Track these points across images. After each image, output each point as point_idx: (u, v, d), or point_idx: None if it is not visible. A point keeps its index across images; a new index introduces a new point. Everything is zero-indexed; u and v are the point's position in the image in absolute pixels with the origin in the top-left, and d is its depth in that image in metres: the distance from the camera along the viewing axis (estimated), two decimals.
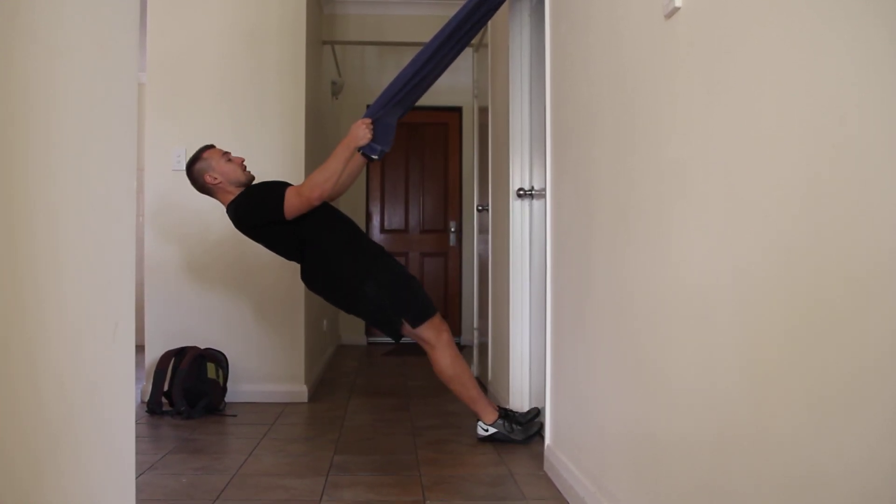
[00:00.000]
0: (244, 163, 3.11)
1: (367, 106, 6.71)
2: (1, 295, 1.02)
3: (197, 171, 3.07)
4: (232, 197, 3.05)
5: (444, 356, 3.00)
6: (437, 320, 3.01)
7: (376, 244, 3.15)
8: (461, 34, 2.99)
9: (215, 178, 3.03)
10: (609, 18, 2.02)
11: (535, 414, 3.07)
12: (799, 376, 1.08)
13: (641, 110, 1.76)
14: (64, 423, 1.19)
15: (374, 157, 3.02)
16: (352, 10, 5.53)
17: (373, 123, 2.98)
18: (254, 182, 3.10)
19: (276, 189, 2.95)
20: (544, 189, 2.77)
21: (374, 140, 2.98)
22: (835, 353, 1.00)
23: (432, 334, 2.99)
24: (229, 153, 3.11)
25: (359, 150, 2.98)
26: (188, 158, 3.12)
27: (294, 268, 3.97)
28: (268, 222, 2.96)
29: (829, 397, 1.01)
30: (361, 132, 2.94)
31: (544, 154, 2.75)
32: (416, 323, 2.96)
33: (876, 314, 0.92)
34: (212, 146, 3.12)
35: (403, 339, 3.10)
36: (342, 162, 2.91)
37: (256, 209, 2.98)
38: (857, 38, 0.98)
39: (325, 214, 3.03)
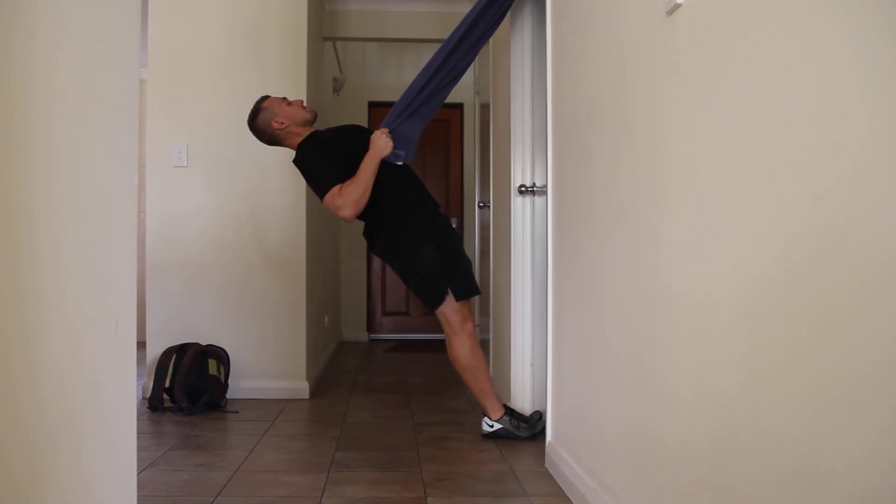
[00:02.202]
0: (303, 103, 3.20)
1: (370, 103, 6.74)
2: (1, 292, 1.02)
3: (262, 122, 3.14)
4: (300, 139, 3.13)
5: (463, 344, 3.02)
6: (468, 308, 3.05)
7: (442, 215, 3.20)
8: (472, 40, 3.00)
9: (282, 123, 3.11)
10: (610, 15, 2.01)
11: (539, 417, 3.08)
12: (799, 374, 1.08)
13: (642, 107, 1.75)
14: (64, 419, 1.19)
15: (398, 163, 3.08)
16: (353, 6, 5.52)
17: (390, 133, 3.02)
18: (316, 121, 3.19)
19: (329, 174, 2.99)
20: (546, 186, 2.77)
21: (395, 147, 3.03)
22: (835, 354, 1.00)
23: (459, 319, 3.01)
24: (286, 97, 3.20)
25: (384, 159, 3.02)
26: (250, 113, 3.18)
27: (294, 263, 4.00)
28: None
29: (831, 396, 1.01)
30: (383, 142, 2.99)
31: (546, 151, 2.75)
32: (461, 295, 2.99)
33: (879, 315, 0.92)
34: (268, 96, 3.20)
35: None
36: (372, 174, 2.97)
37: (312, 178, 3.06)
38: (857, 35, 0.97)
39: (400, 175, 3.08)
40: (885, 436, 0.90)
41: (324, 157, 3.04)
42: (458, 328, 3.01)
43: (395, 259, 3.09)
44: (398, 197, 3.05)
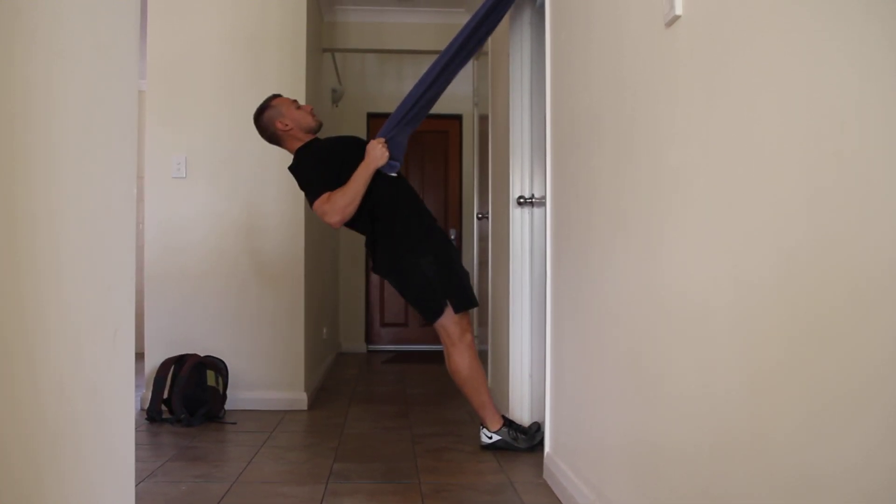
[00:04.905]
0: (313, 110, 3.18)
1: (368, 114, 6.76)
2: (2, 299, 1.02)
3: (267, 119, 3.12)
4: (300, 144, 3.12)
5: (462, 356, 3.01)
6: (467, 320, 3.04)
7: (439, 227, 3.18)
8: (468, 50, 3.01)
9: (286, 125, 3.10)
10: (609, 27, 2.02)
11: (537, 428, 3.07)
12: (798, 382, 1.08)
13: (641, 118, 1.76)
14: (64, 428, 1.19)
15: (393, 174, 3.06)
16: (352, 17, 5.54)
17: (387, 142, 3.01)
18: (321, 131, 3.18)
19: (319, 181, 2.98)
20: (544, 197, 2.77)
21: (390, 157, 3.02)
22: (834, 360, 1.00)
23: (458, 331, 3.00)
24: (297, 100, 3.20)
25: (380, 170, 3.01)
26: (258, 108, 3.16)
27: (293, 274, 3.99)
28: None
29: (828, 403, 1.01)
30: (379, 152, 2.98)
31: (545, 162, 2.75)
32: (459, 307, 2.99)
33: (876, 322, 0.92)
34: (279, 95, 3.19)
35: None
36: (364, 184, 2.96)
37: (303, 183, 3.06)
38: (856, 45, 0.98)
39: (398, 187, 3.08)
40: (884, 443, 0.90)
41: (317, 164, 3.04)
42: (458, 340, 3.00)
43: (393, 272, 3.08)
44: (395, 210, 3.05)
